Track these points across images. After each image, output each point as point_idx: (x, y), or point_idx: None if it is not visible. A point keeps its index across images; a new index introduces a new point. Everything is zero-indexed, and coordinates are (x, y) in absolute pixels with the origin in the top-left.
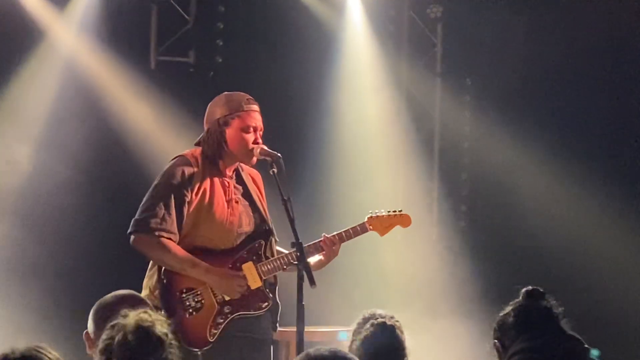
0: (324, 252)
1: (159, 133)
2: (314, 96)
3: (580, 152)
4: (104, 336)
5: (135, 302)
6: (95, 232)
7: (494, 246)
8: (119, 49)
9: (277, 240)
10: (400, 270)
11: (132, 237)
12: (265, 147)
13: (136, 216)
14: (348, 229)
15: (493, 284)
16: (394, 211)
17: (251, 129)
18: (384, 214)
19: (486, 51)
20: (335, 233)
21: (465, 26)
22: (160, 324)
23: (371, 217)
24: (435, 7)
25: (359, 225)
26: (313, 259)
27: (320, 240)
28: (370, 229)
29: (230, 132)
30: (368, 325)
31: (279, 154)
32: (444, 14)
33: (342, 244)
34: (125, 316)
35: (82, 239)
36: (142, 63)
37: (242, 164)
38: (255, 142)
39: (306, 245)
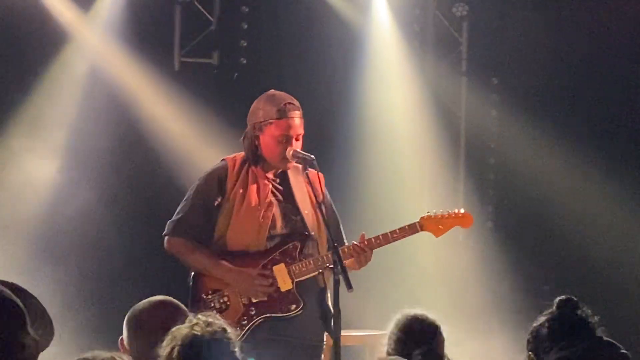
0: (354, 258)
1: (183, 135)
2: (339, 96)
3: (609, 150)
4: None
5: (170, 308)
6: (127, 237)
7: (521, 246)
8: (143, 51)
9: (340, 244)
10: (427, 272)
11: (165, 239)
12: (298, 150)
13: (171, 219)
14: (395, 230)
15: (520, 284)
16: (454, 211)
17: (285, 138)
18: (442, 213)
19: (512, 49)
20: (380, 234)
21: (491, 24)
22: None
23: (425, 217)
24: (460, 5)
25: (408, 225)
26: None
27: (353, 245)
28: (422, 230)
29: (264, 139)
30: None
31: (312, 156)
32: (469, 12)
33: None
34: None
35: (114, 246)
36: (166, 65)
37: (296, 166)
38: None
39: (341, 248)
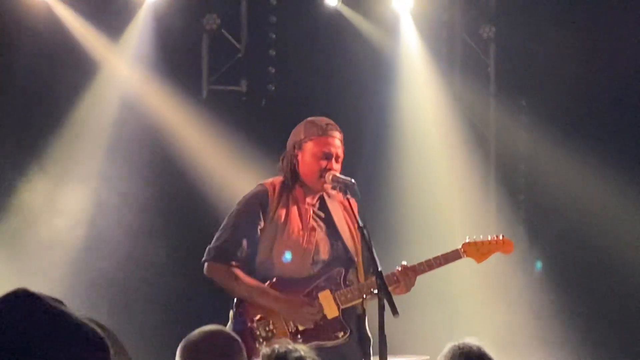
0: (400, 283)
1: (213, 162)
2: (368, 121)
3: None
4: None
5: (225, 338)
6: (161, 260)
7: (553, 267)
8: (172, 79)
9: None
10: (464, 295)
11: (205, 265)
12: (337, 174)
13: (210, 245)
14: (438, 256)
15: (555, 305)
16: (495, 237)
17: (324, 155)
18: (483, 239)
19: (540, 71)
20: (423, 261)
21: (518, 46)
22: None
23: (467, 243)
24: (487, 27)
25: (450, 252)
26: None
27: (397, 271)
28: (464, 256)
29: (302, 157)
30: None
31: (353, 181)
32: (496, 34)
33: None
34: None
35: (150, 270)
36: (195, 93)
37: (332, 192)
38: (327, 169)
39: (385, 274)
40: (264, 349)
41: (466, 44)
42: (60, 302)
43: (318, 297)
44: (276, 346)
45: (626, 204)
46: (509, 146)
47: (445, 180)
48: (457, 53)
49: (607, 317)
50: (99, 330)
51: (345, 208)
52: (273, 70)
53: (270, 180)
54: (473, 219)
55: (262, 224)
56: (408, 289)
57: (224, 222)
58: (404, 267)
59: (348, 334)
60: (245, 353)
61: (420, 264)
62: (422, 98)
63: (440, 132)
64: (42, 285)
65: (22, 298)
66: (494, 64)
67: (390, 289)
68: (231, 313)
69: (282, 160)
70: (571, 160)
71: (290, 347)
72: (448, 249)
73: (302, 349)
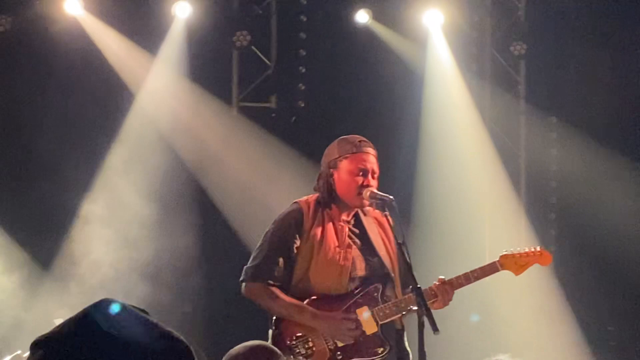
0: (437, 298)
1: (244, 180)
2: (399, 137)
3: None
4: None
5: (268, 353)
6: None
7: (584, 285)
8: (202, 96)
9: (413, 286)
10: (496, 309)
11: (243, 285)
12: (375, 190)
13: (247, 265)
14: (476, 269)
15: (588, 324)
16: (532, 249)
17: (360, 172)
18: (520, 251)
19: (571, 88)
20: (462, 274)
21: (549, 63)
22: None
23: (504, 255)
24: (518, 44)
25: (488, 264)
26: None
27: (435, 285)
28: (502, 269)
29: (338, 175)
30: None
31: (391, 197)
32: (527, 51)
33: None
34: None
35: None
36: (225, 109)
37: (367, 208)
38: (364, 185)
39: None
40: None
41: (496, 60)
42: (146, 312)
43: (356, 314)
44: None
45: None
46: (539, 163)
47: (476, 196)
48: (487, 70)
49: (635, 331)
50: (185, 340)
51: (380, 224)
52: (303, 87)
53: (304, 198)
54: (504, 236)
55: (298, 242)
56: (446, 304)
57: (260, 242)
58: (442, 282)
59: (388, 349)
60: None
61: (458, 277)
62: (453, 114)
63: (470, 149)
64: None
65: (107, 308)
66: (524, 81)
67: (428, 303)
68: (270, 332)
69: (318, 179)
70: (602, 178)
71: None
72: (478, 264)
73: None
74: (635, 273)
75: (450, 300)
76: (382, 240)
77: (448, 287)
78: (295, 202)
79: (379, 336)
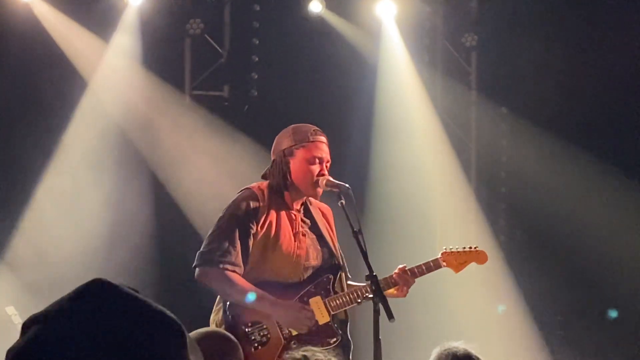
0: (398, 287)
1: (196, 167)
2: (350, 126)
3: (623, 182)
4: None
5: (224, 340)
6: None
7: (534, 274)
8: (155, 84)
9: (350, 277)
10: (449, 298)
11: (197, 270)
12: (332, 179)
13: (201, 249)
14: (420, 265)
15: (538, 313)
16: (470, 247)
17: (316, 160)
18: (459, 249)
19: (522, 79)
20: (407, 269)
21: (500, 54)
22: None
23: (445, 252)
24: (470, 35)
25: (432, 261)
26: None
27: (394, 274)
28: (444, 266)
29: (294, 163)
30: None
31: (347, 185)
32: (478, 42)
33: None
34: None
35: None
36: (178, 97)
37: (310, 198)
38: (320, 174)
39: (381, 279)
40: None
41: (448, 51)
42: (136, 290)
43: (309, 303)
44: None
45: (609, 211)
46: (490, 153)
47: (426, 186)
48: (439, 60)
49: (584, 320)
50: (175, 317)
51: (324, 214)
52: (256, 76)
53: (256, 184)
54: (455, 226)
55: (254, 228)
56: (406, 293)
57: (215, 227)
58: (402, 270)
59: (339, 340)
60: (242, 353)
61: (416, 267)
62: (405, 104)
63: (422, 139)
64: None
65: (101, 287)
66: (475, 71)
67: (389, 291)
68: (219, 316)
69: (271, 168)
70: (552, 168)
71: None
72: (429, 254)
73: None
74: (583, 262)
75: (407, 290)
76: (327, 230)
77: (408, 276)
78: (247, 188)
79: (330, 326)
